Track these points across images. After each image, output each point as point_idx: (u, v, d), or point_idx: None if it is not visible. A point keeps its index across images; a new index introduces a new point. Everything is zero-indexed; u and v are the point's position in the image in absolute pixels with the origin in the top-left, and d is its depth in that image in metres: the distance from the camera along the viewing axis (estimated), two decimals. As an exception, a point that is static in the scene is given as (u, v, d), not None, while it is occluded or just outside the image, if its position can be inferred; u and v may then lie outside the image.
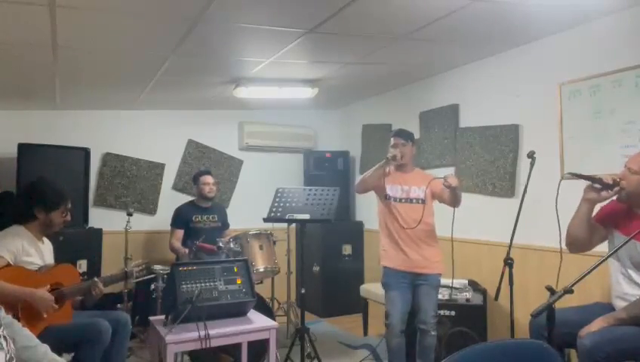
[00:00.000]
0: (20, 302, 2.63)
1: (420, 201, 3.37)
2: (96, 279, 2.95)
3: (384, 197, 3.45)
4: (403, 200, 3.41)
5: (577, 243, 2.59)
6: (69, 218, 3.05)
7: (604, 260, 2.06)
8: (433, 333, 3.32)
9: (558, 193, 2.47)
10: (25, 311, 2.64)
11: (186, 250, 4.32)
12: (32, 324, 2.56)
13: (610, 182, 2.43)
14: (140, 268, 3.13)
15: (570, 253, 2.63)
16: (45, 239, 3.08)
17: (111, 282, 3.02)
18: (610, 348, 2.19)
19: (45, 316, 2.68)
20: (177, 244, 4.67)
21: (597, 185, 2.45)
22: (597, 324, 2.34)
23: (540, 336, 2.33)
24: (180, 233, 4.73)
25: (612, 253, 2.11)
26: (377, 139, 5.58)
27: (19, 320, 2.48)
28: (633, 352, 2.21)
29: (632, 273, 2.45)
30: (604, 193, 2.45)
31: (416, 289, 3.35)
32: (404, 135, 3.46)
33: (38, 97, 4.72)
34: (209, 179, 4.79)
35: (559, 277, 2.64)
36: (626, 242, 2.10)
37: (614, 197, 2.50)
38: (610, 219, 2.61)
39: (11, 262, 2.74)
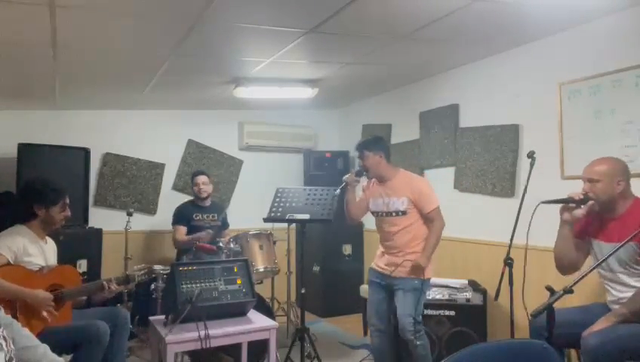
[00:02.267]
0: (19, 302, 2.63)
1: (400, 213, 3.29)
2: (103, 282, 2.94)
3: (372, 214, 3.50)
4: (384, 214, 3.37)
5: (567, 265, 2.63)
6: (68, 213, 3.05)
7: (603, 260, 2.06)
8: (418, 343, 3.14)
9: (531, 220, 2.54)
10: (23, 311, 2.64)
11: (197, 235, 4.34)
12: (31, 324, 2.56)
13: (582, 197, 2.49)
14: (142, 272, 3.13)
15: (561, 274, 2.66)
16: (49, 239, 3.08)
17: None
18: (614, 348, 2.19)
19: (45, 315, 2.67)
20: (183, 237, 4.67)
21: (571, 205, 2.51)
22: (600, 324, 2.34)
23: (540, 336, 2.33)
24: (184, 229, 4.73)
25: (611, 254, 2.10)
26: (377, 139, 5.57)
27: (17, 320, 2.49)
28: (637, 351, 2.21)
29: (622, 276, 2.47)
30: (578, 211, 2.52)
31: (394, 295, 3.30)
32: (358, 147, 3.42)
33: (38, 97, 4.72)
34: (201, 179, 4.80)
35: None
36: (619, 247, 2.10)
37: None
38: (586, 230, 2.64)
39: (11, 261, 2.74)
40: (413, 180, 3.38)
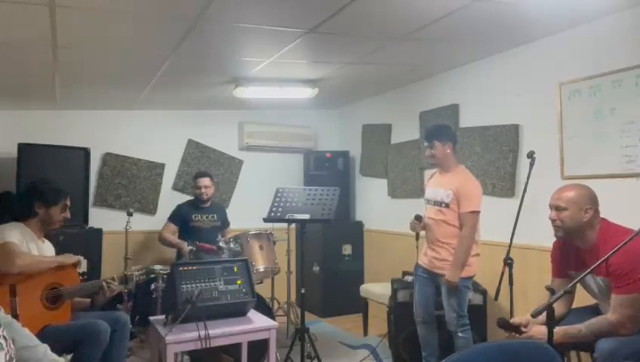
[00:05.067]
0: (18, 297, 2.64)
1: (443, 205, 3.34)
2: (102, 282, 2.97)
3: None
4: (431, 203, 3.45)
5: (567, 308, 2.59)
6: (68, 215, 3.08)
7: (601, 262, 2.06)
8: (461, 334, 3.28)
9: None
10: (23, 307, 2.65)
11: (187, 245, 4.34)
12: (30, 322, 2.56)
13: (517, 323, 2.43)
14: (140, 272, 3.14)
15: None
16: (46, 240, 3.09)
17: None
18: (628, 351, 2.18)
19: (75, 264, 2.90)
20: (171, 237, 4.69)
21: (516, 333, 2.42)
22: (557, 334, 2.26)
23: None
24: (173, 228, 4.74)
25: (604, 260, 2.09)
26: (377, 139, 5.58)
27: (17, 315, 2.50)
28: None
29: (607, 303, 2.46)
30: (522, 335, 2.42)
31: (439, 290, 3.39)
32: (427, 136, 3.45)
33: (38, 97, 4.72)
34: (205, 181, 4.77)
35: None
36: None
37: (558, 237, 2.58)
38: (566, 264, 2.62)
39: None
40: (465, 177, 3.39)
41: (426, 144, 3.44)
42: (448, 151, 3.37)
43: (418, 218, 3.45)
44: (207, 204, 4.84)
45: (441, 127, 3.53)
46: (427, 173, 4.73)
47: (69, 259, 2.95)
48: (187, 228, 4.73)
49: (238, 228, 4.87)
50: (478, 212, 3.28)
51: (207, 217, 4.81)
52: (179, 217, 4.78)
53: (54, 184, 3.08)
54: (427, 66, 4.43)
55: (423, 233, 3.49)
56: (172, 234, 4.74)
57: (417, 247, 3.47)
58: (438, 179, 3.49)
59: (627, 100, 3.10)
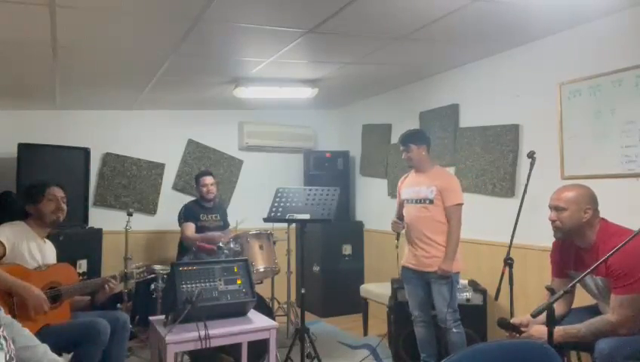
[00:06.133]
0: (16, 297, 2.64)
1: (427, 201, 3.42)
2: (103, 280, 2.97)
3: (404, 202, 3.60)
4: (413, 201, 3.51)
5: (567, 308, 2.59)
6: (61, 205, 3.01)
7: (601, 262, 2.06)
8: (455, 330, 3.33)
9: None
10: (21, 308, 2.65)
11: (219, 234, 4.32)
12: (29, 321, 2.56)
13: (517, 322, 2.45)
14: (140, 270, 3.14)
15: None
16: (48, 241, 3.09)
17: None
18: (628, 351, 2.18)
19: (34, 315, 2.67)
20: (194, 234, 4.58)
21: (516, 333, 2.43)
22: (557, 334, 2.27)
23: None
24: (193, 226, 4.65)
25: (603, 260, 2.09)
26: (377, 139, 5.58)
27: (15, 316, 2.49)
28: None
29: (607, 303, 2.46)
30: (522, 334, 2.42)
31: (430, 288, 3.42)
32: (403, 141, 3.55)
33: (38, 97, 4.72)
34: (208, 180, 4.76)
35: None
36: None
37: (556, 239, 2.59)
38: (566, 264, 2.62)
39: (7, 248, 2.75)
40: (445, 174, 3.56)
41: (402, 148, 3.54)
42: (423, 153, 3.52)
43: (400, 217, 3.55)
44: (211, 204, 4.84)
45: (414, 132, 3.71)
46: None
47: (31, 297, 2.66)
48: (195, 228, 4.71)
49: (238, 228, 4.87)
50: (462, 204, 3.43)
51: (212, 217, 4.81)
52: (192, 215, 4.72)
53: (35, 181, 3.08)
54: (427, 66, 4.43)
55: (402, 232, 3.56)
56: (194, 232, 4.64)
57: (397, 247, 3.52)
58: (416, 178, 3.56)
59: (627, 100, 3.10)
